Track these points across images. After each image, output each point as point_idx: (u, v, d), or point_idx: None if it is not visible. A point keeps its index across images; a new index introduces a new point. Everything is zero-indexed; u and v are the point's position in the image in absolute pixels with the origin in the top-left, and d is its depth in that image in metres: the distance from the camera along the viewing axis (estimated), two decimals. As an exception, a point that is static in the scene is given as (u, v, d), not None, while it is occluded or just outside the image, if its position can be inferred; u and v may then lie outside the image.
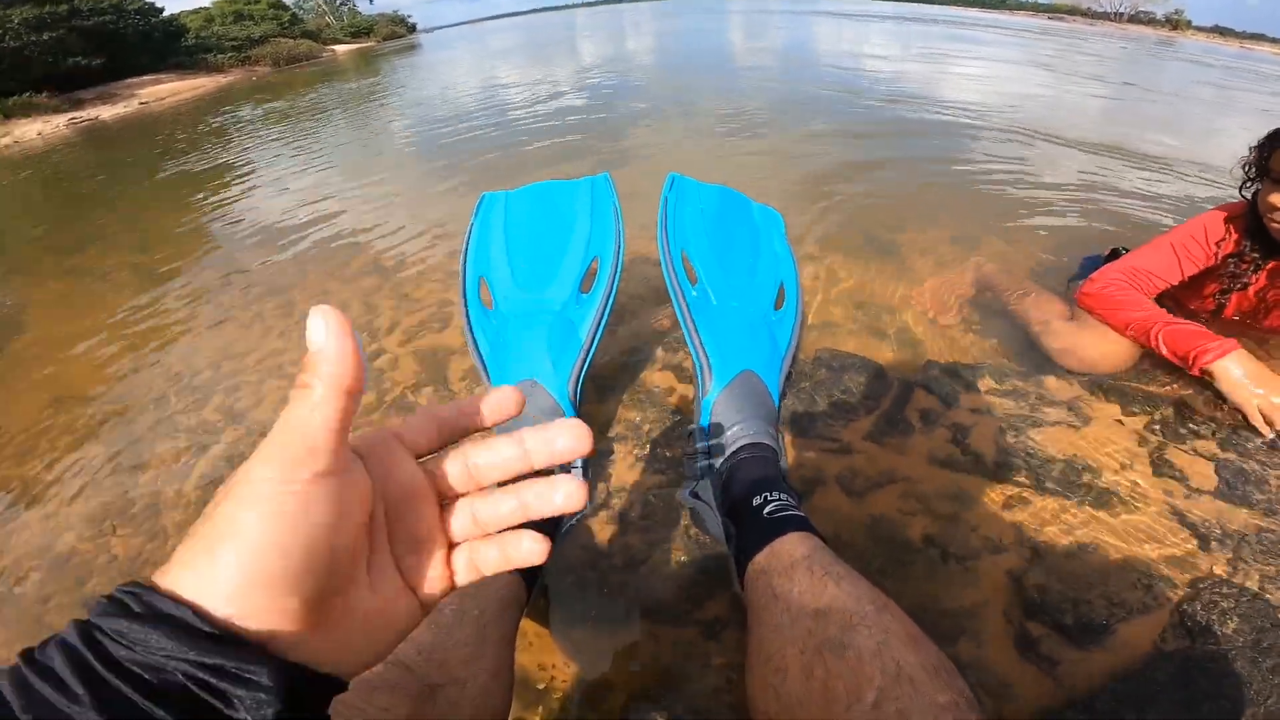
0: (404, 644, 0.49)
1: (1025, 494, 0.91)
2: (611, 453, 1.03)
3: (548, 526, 0.79)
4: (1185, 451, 0.96)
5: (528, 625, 0.78)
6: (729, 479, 0.79)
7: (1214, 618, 0.74)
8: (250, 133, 5.39)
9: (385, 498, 0.28)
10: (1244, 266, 1.12)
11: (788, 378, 1.06)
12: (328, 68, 13.92)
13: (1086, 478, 0.92)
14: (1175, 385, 1.07)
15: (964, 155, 2.66)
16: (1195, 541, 0.83)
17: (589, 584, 0.83)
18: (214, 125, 6.53)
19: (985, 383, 1.11)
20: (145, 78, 13.92)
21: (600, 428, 1.08)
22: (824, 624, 0.51)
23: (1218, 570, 0.80)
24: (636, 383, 1.18)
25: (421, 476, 0.30)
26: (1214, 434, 0.98)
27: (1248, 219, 1.11)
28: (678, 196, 1.11)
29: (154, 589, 0.23)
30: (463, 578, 0.31)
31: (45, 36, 12.15)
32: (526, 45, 11.41)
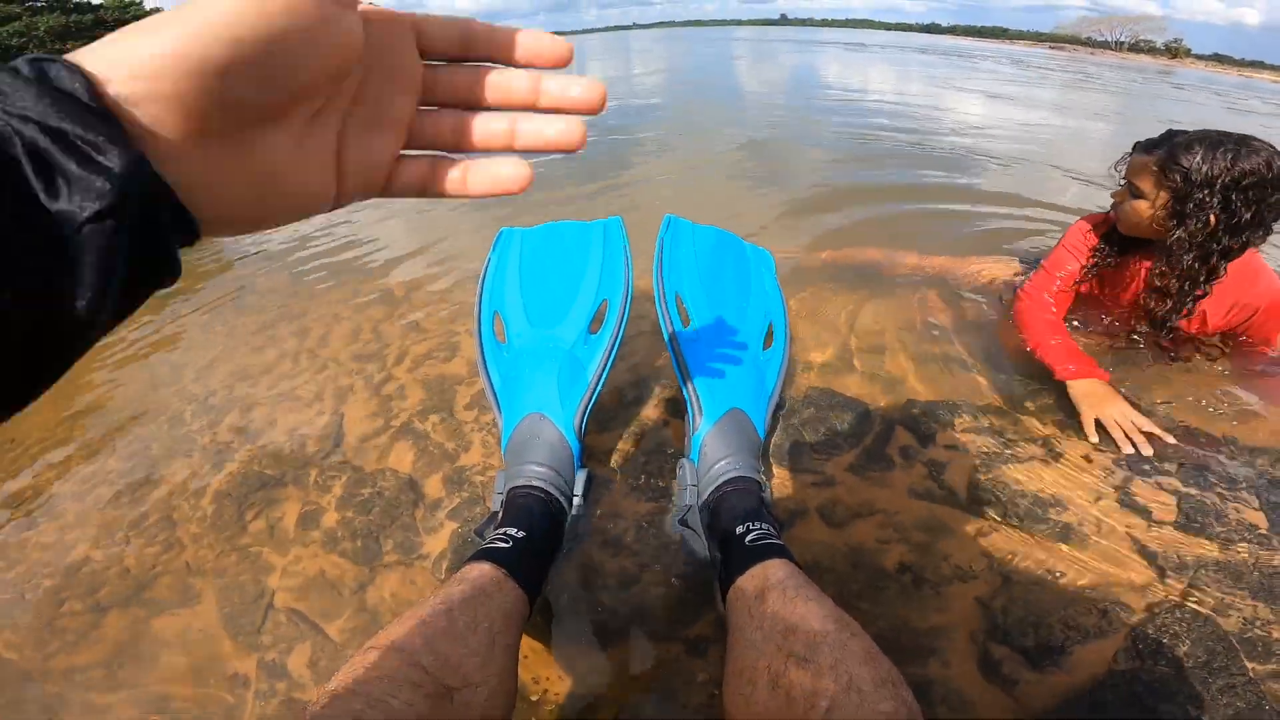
0: (423, 649, 0.57)
1: (995, 525, 0.97)
2: (609, 481, 1.09)
3: (551, 542, 0.85)
4: (1149, 486, 1.02)
5: (525, 641, 0.83)
6: (715, 509, 0.85)
7: (1166, 640, 0.80)
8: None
9: (367, 69, 0.26)
10: (1093, 261, 1.36)
11: (774, 413, 1.14)
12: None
13: (1054, 511, 0.98)
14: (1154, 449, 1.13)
15: (955, 184, 2.74)
16: (1153, 570, 0.89)
17: (584, 603, 0.89)
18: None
19: (963, 420, 1.17)
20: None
21: (600, 458, 1.14)
22: (791, 640, 0.58)
23: (1173, 597, 0.85)
24: (635, 417, 1.24)
25: (417, 69, 0.27)
26: (1177, 470, 1.04)
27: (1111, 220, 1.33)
28: (673, 238, 1.17)
29: (58, 59, 0.19)
30: (409, 187, 0.29)
31: (69, 45, 12.47)
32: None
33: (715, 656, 0.82)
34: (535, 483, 0.89)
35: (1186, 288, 1.21)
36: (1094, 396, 1.15)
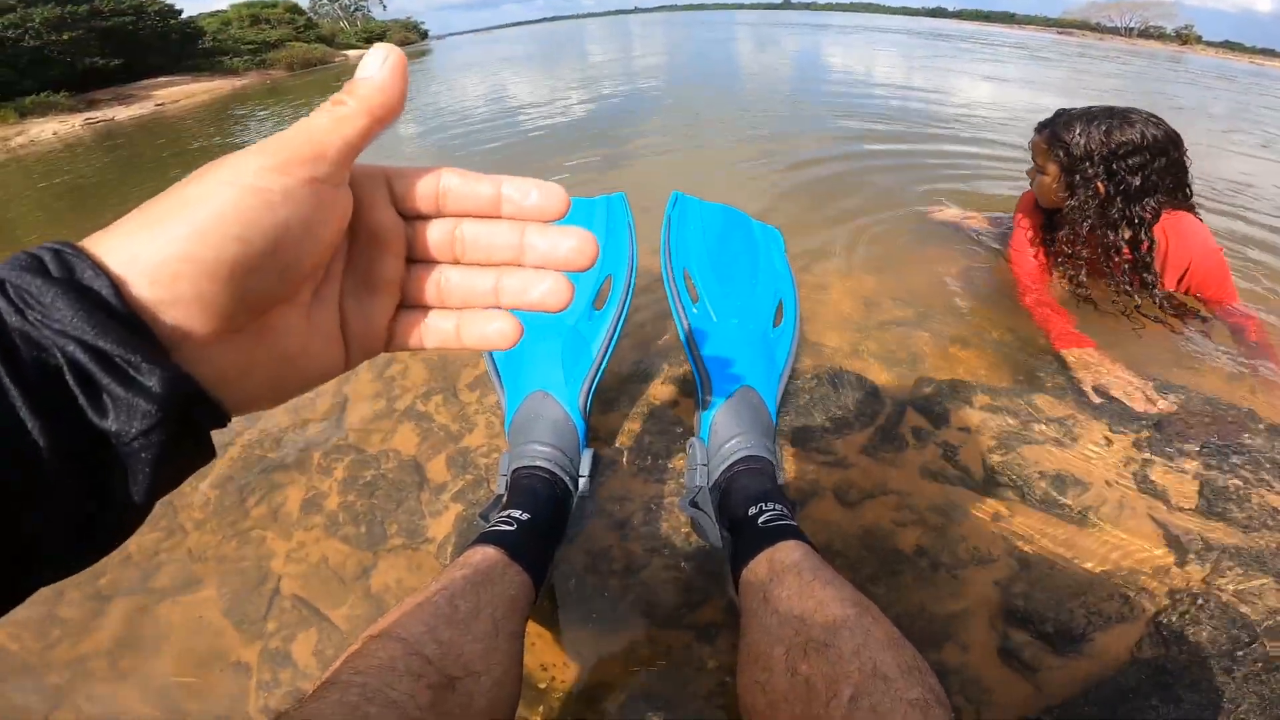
0: (425, 637, 0.54)
1: (1013, 508, 0.95)
2: (616, 462, 1.07)
3: (556, 524, 0.83)
4: (1169, 469, 0.99)
5: (531, 627, 0.81)
6: (726, 490, 0.83)
7: (1189, 627, 0.78)
8: (266, 136, 5.46)
9: (352, 233, 0.26)
10: (1034, 234, 1.48)
11: (785, 393, 1.11)
12: (342, 73, 14.08)
13: (1072, 493, 0.96)
14: (1162, 405, 1.11)
15: (967, 164, 2.69)
16: (1174, 556, 0.87)
17: (591, 588, 0.87)
18: (229, 128, 6.63)
19: (978, 399, 1.15)
20: (161, 79, 14.10)
21: (606, 437, 1.12)
22: (809, 625, 0.55)
23: (1195, 583, 0.83)
24: (642, 395, 1.22)
25: (399, 226, 0.27)
26: (1198, 454, 1.02)
27: None
28: (680, 215, 1.15)
29: (81, 252, 0.20)
30: (405, 343, 0.28)
31: (65, 36, 12.33)
32: (536, 54, 11.53)
33: (726, 643, 0.80)
34: (539, 463, 0.87)
35: (1108, 253, 1.33)
36: (1091, 365, 1.19)
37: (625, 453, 1.09)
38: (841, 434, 1.10)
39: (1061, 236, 1.38)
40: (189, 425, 0.21)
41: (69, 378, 0.18)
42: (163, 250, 0.20)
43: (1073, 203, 1.31)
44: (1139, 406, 1.10)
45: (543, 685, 0.77)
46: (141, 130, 7.83)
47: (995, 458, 1.03)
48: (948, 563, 0.87)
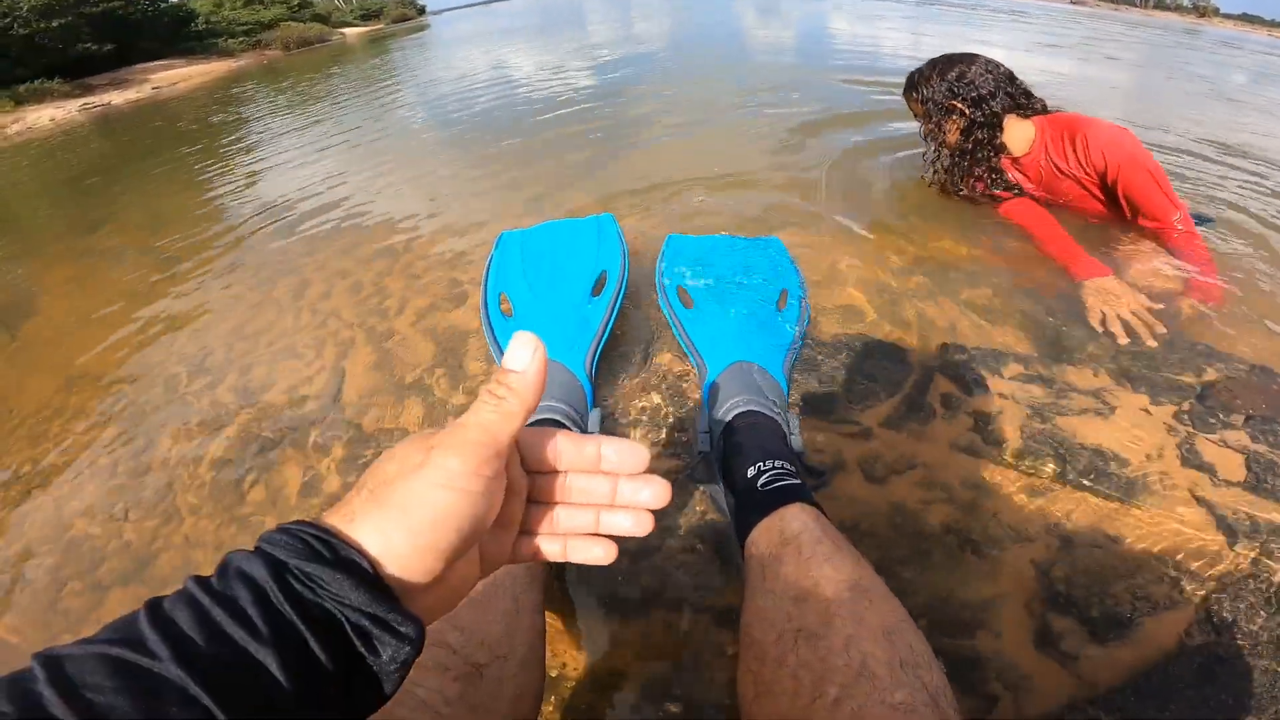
0: (445, 624, 0.51)
1: (1049, 483, 0.89)
2: (626, 438, 1.02)
3: None
4: (1214, 443, 0.94)
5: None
6: (726, 450, 0.79)
7: (1240, 613, 0.73)
8: (261, 116, 5.38)
9: None
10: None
11: (803, 364, 1.09)
12: (338, 51, 13.87)
13: (1113, 468, 0.90)
14: (1205, 374, 1.05)
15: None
16: (1223, 535, 0.81)
17: (602, 572, 0.83)
18: (225, 109, 6.54)
19: (1009, 369, 1.08)
20: (156, 63, 13.92)
21: (616, 413, 1.07)
22: (803, 611, 0.53)
23: (1245, 565, 0.78)
24: (648, 371, 1.17)
25: (524, 479, 0.35)
26: (1244, 425, 0.96)
27: None
28: (674, 249, 1.32)
29: (339, 536, 0.28)
30: (522, 557, 0.37)
31: (54, 23, 12.15)
32: (537, 28, 11.30)
33: (745, 627, 0.75)
34: (550, 415, 0.85)
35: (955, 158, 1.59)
36: (1105, 292, 1.22)
37: (636, 427, 1.04)
38: (867, 403, 1.05)
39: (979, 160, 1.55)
40: (417, 649, 0.29)
41: (350, 633, 0.27)
42: (408, 542, 0.28)
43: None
44: (1122, 340, 1.13)
45: (554, 673, 0.73)
46: (139, 114, 7.75)
47: (1030, 428, 0.97)
48: (980, 541, 0.82)
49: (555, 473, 0.36)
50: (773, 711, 0.49)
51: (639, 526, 0.36)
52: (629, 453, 0.35)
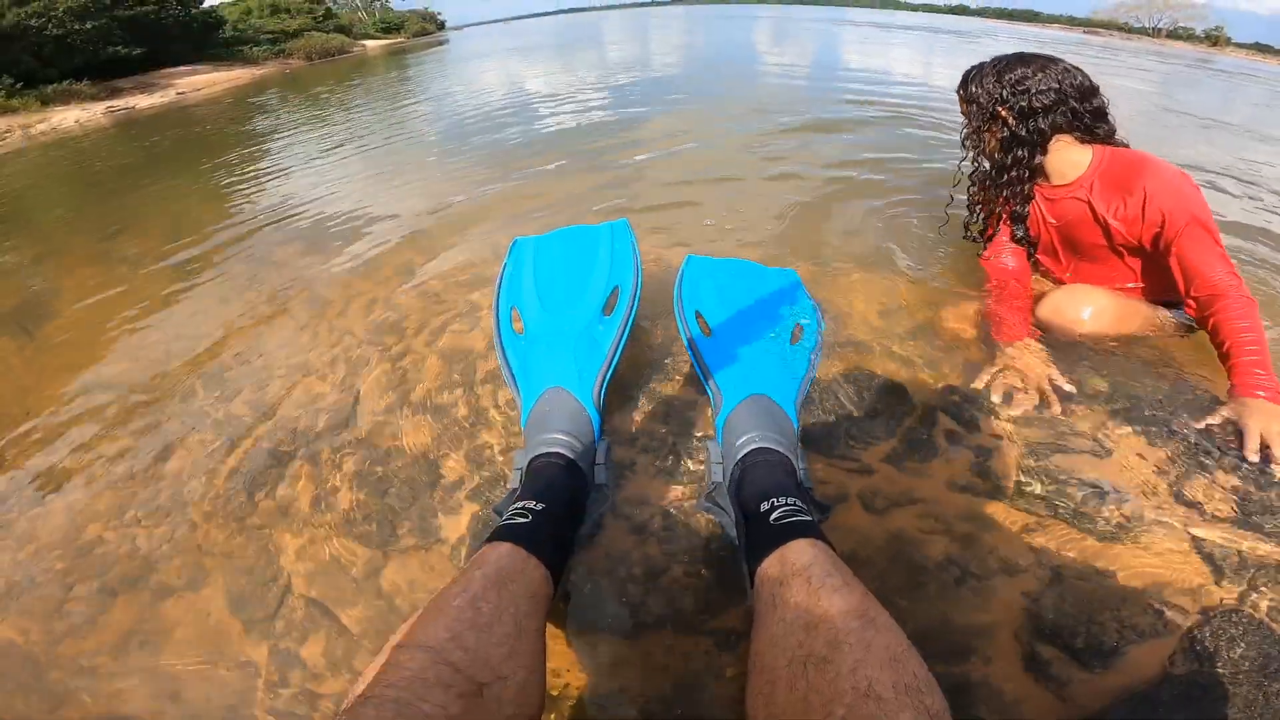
0: (451, 644, 0.54)
1: (1043, 519, 0.92)
2: (634, 464, 1.05)
3: (573, 510, 0.83)
4: (1205, 482, 0.96)
5: (546, 632, 0.80)
6: (739, 484, 0.83)
7: (1222, 643, 0.75)
8: (283, 126, 5.49)
9: None
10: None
11: (810, 399, 1.12)
12: (358, 63, 14.12)
13: (1106, 505, 0.93)
14: (1198, 419, 1.07)
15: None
16: (1209, 570, 0.84)
17: (607, 592, 0.85)
18: (248, 117, 6.66)
19: (1008, 408, 1.11)
20: (182, 68, 14.23)
21: (625, 440, 1.10)
22: (812, 637, 0.56)
23: (1229, 598, 0.80)
24: (660, 397, 1.20)
25: None
26: (1235, 467, 0.98)
27: None
28: (693, 271, 1.29)
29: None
30: None
31: (88, 25, 12.45)
32: (554, 46, 11.48)
33: (746, 651, 0.78)
34: (554, 449, 0.88)
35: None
36: (1012, 356, 1.20)
37: (645, 454, 1.07)
38: (869, 439, 1.08)
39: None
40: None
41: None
42: None
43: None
44: (1021, 406, 1.11)
45: (555, 693, 0.76)
46: (161, 118, 7.90)
47: (1026, 466, 1.00)
48: (975, 573, 0.85)
49: None
50: None
51: None
52: None
